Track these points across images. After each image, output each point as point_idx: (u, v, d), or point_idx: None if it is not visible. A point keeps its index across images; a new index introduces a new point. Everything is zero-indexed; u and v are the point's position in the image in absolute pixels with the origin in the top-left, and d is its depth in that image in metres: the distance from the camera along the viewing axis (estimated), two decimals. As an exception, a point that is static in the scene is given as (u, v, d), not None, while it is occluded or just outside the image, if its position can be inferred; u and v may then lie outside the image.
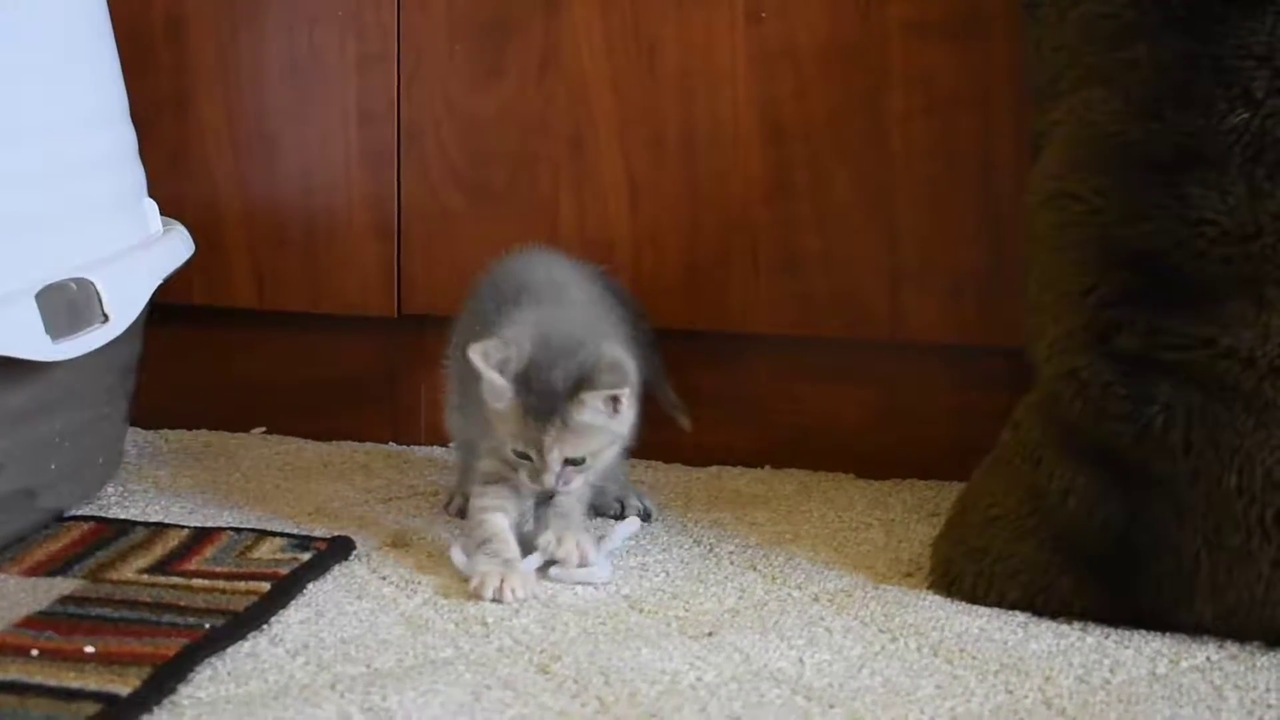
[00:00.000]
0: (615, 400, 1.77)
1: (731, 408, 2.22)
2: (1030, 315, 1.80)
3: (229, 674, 1.54)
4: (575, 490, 1.82)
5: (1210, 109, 1.67)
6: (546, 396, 1.75)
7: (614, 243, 2.17)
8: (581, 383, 1.75)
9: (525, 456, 1.78)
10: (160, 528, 1.91)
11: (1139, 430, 1.66)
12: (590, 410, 1.75)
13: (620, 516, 1.97)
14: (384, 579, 1.79)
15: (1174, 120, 1.68)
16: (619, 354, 1.79)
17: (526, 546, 1.81)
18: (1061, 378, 1.72)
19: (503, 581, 1.73)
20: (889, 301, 2.13)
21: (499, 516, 1.82)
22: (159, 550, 1.83)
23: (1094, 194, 1.71)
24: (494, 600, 1.73)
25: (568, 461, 1.77)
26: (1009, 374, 1.90)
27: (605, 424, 1.77)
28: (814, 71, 2.10)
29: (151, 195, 2.07)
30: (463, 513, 1.95)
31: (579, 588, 1.77)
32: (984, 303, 2.10)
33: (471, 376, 1.80)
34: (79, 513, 1.96)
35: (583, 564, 1.79)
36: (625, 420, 1.80)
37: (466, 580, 1.76)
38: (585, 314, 1.87)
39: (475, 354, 1.74)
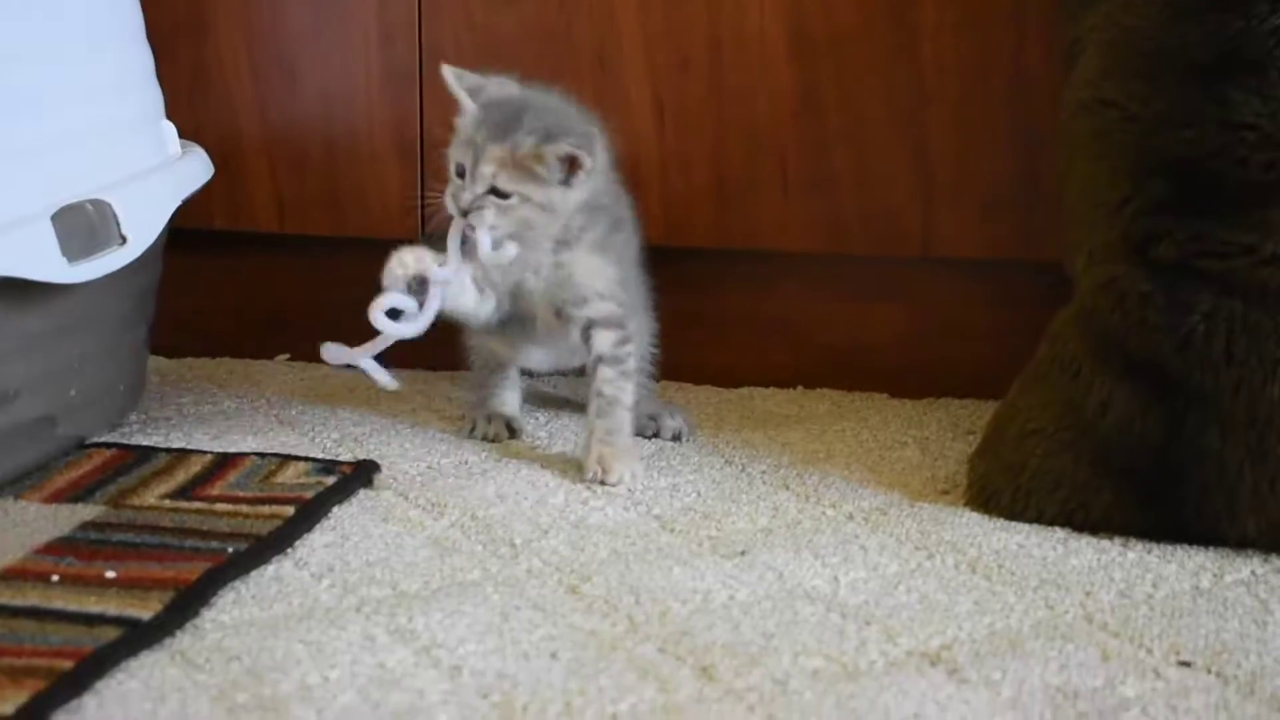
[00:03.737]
0: (572, 165, 1.77)
1: (763, 328, 2.19)
2: (1067, 227, 1.77)
3: (252, 597, 1.52)
4: (503, 259, 1.80)
5: (1250, 10, 1.63)
6: (508, 121, 1.77)
7: (640, 163, 2.14)
8: (549, 134, 1.76)
9: (461, 173, 1.79)
10: (183, 454, 1.89)
11: (1179, 341, 1.63)
12: (546, 161, 1.76)
13: (656, 435, 1.97)
14: (410, 502, 1.77)
15: (1213, 23, 1.64)
16: (596, 133, 1.81)
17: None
18: (1100, 289, 1.69)
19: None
20: (921, 218, 2.10)
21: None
22: (181, 476, 1.81)
23: (1131, 100, 1.68)
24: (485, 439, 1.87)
25: (495, 191, 1.77)
26: (1044, 289, 1.87)
27: (548, 179, 1.77)
28: (842, -16, 2.07)
29: (170, 119, 2.03)
30: (487, 437, 1.94)
31: (608, 509, 1.74)
32: (1018, 217, 2.07)
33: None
34: (100, 440, 1.94)
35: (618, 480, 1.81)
36: (565, 200, 1.79)
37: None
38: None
39: (448, 72, 1.78)
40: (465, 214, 1.77)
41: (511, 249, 1.79)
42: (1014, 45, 2.05)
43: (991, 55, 2.06)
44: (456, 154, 1.79)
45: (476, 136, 1.76)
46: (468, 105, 1.79)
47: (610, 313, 1.85)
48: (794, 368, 2.19)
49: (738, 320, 2.17)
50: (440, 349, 2.24)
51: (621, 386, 1.84)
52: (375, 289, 1.79)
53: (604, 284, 1.84)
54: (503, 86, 1.82)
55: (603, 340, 1.84)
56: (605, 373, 1.84)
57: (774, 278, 2.18)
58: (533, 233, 1.80)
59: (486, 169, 1.76)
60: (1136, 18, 1.69)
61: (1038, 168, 2.04)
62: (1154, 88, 1.67)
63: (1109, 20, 1.72)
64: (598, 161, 1.79)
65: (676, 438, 1.96)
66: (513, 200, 1.77)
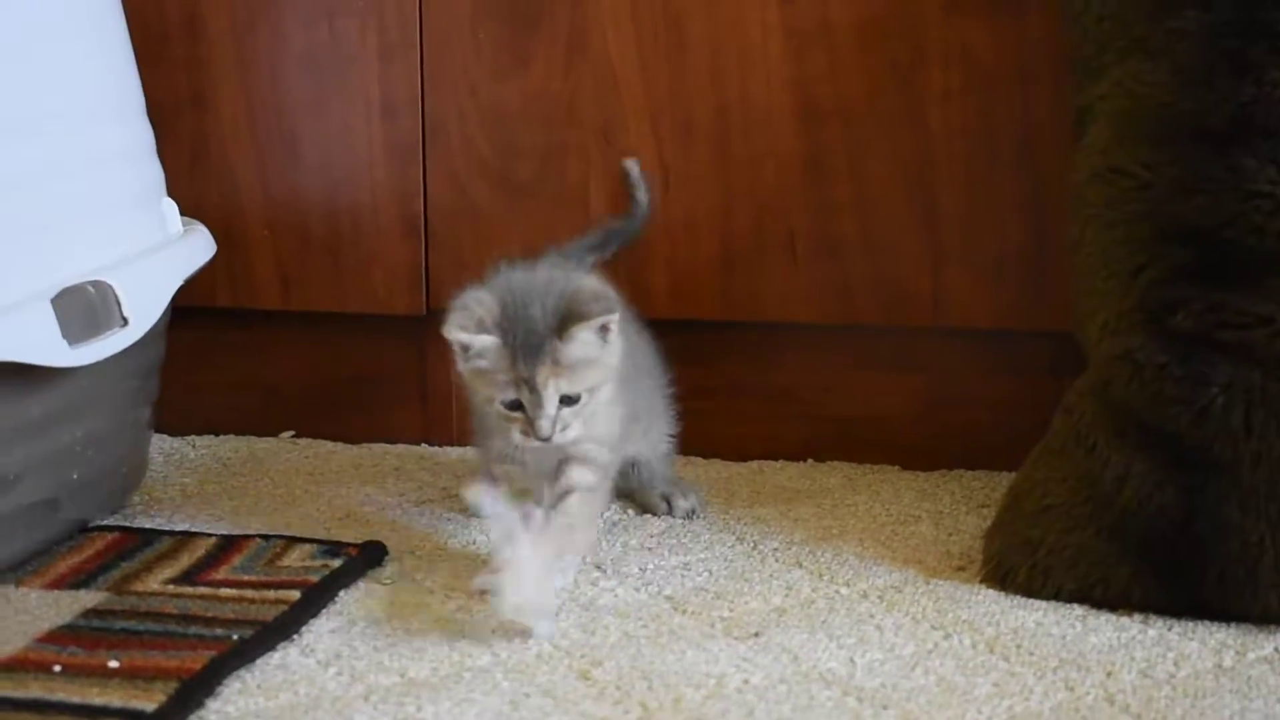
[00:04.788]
0: (605, 329, 1.69)
1: (771, 401, 2.17)
2: (1080, 297, 1.75)
3: (258, 687, 1.50)
4: (572, 439, 1.71)
5: (1263, 77, 1.61)
6: (529, 337, 1.67)
7: (646, 232, 2.12)
8: (569, 317, 1.67)
9: (517, 406, 1.69)
10: (186, 537, 1.86)
11: (1197, 413, 1.60)
12: (581, 343, 1.68)
13: (669, 514, 1.95)
14: (417, 584, 1.74)
15: (1226, 90, 1.63)
16: (598, 283, 1.73)
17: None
18: (1115, 360, 1.66)
19: None
20: (931, 286, 2.08)
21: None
22: (185, 560, 1.79)
23: (1144, 168, 1.66)
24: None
25: (563, 400, 1.68)
26: (1057, 359, 1.86)
27: (597, 355, 1.69)
28: (848, 49, 2.05)
29: (171, 195, 2.02)
30: None
31: (618, 590, 1.72)
32: (1029, 285, 2.05)
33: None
34: (103, 523, 1.92)
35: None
36: (614, 351, 1.72)
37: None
38: (562, 268, 1.80)
39: (450, 332, 1.68)
40: (548, 440, 1.69)
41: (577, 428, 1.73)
42: (1021, 109, 2.03)
43: (999, 121, 2.04)
44: (503, 394, 1.69)
45: (517, 369, 1.67)
46: (484, 341, 1.69)
47: (598, 456, 1.78)
48: (804, 440, 2.16)
49: (746, 392, 2.15)
50: (445, 425, 2.23)
51: (590, 509, 1.77)
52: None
53: (613, 427, 1.78)
54: (484, 298, 1.70)
55: (581, 476, 1.76)
56: (569, 504, 1.75)
57: (782, 348, 2.16)
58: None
59: (547, 393, 1.67)
60: (1147, 85, 1.68)
61: (1048, 234, 2.02)
62: (1166, 155, 1.65)
63: (1119, 88, 1.71)
64: (618, 306, 1.71)
65: (689, 516, 1.94)
66: (583, 397, 1.70)
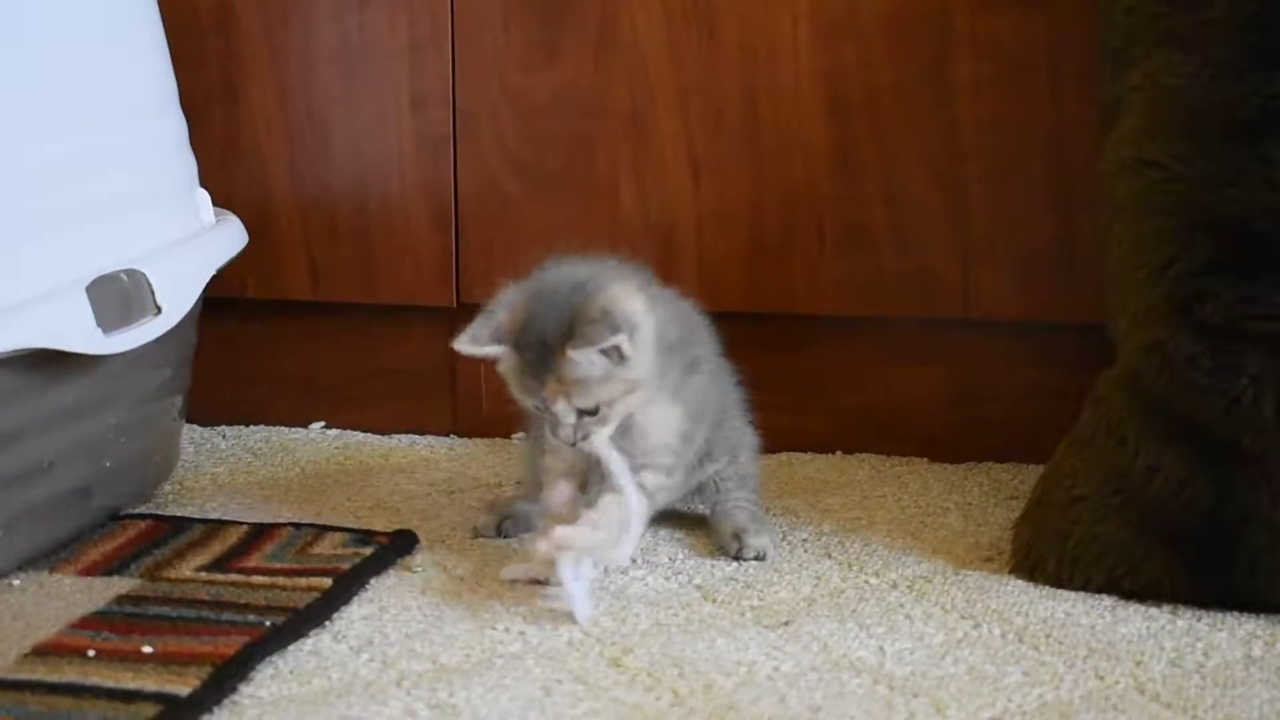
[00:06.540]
0: (614, 349, 1.63)
1: (800, 392, 2.17)
2: (1109, 288, 1.75)
3: (291, 672, 1.50)
4: (599, 444, 1.67)
5: (1293, 69, 1.61)
6: (539, 351, 1.63)
7: (676, 224, 2.13)
8: (568, 338, 1.62)
9: (541, 409, 1.67)
10: (218, 525, 1.87)
11: (1227, 403, 1.61)
12: (584, 365, 1.62)
13: (739, 556, 1.78)
14: (448, 573, 1.75)
15: (1256, 81, 1.63)
16: (613, 298, 1.65)
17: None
18: (1144, 352, 1.67)
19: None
20: (960, 277, 2.08)
21: (562, 484, 1.74)
22: (217, 548, 1.79)
23: (1174, 160, 1.66)
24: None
25: (581, 412, 1.65)
26: (1085, 351, 1.85)
27: (610, 372, 1.64)
28: (878, 41, 2.06)
29: (203, 186, 2.03)
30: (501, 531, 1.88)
31: (649, 579, 1.73)
32: (1058, 277, 2.05)
33: None
34: (134, 511, 1.92)
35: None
36: (638, 365, 1.65)
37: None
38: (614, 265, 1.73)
39: (459, 344, 1.66)
40: (575, 444, 1.66)
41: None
42: (1051, 100, 2.04)
43: (1028, 111, 2.05)
44: (523, 399, 1.68)
45: (526, 380, 1.65)
46: (496, 351, 1.66)
47: (667, 462, 1.75)
48: (832, 432, 2.17)
49: (775, 383, 2.14)
50: (475, 416, 2.23)
51: (624, 512, 1.68)
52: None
53: (671, 436, 1.74)
54: (515, 302, 1.67)
55: (648, 479, 1.73)
56: (606, 502, 1.69)
57: (811, 340, 2.17)
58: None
59: (559, 407, 1.64)
60: (1178, 77, 1.68)
61: (1077, 225, 2.03)
62: (1197, 147, 1.65)
63: (1150, 80, 1.71)
64: (632, 320, 1.64)
65: (759, 557, 1.79)
66: (600, 409, 1.65)
